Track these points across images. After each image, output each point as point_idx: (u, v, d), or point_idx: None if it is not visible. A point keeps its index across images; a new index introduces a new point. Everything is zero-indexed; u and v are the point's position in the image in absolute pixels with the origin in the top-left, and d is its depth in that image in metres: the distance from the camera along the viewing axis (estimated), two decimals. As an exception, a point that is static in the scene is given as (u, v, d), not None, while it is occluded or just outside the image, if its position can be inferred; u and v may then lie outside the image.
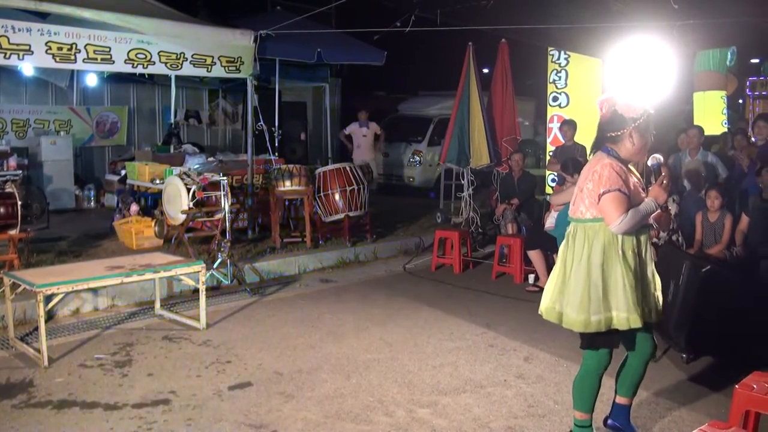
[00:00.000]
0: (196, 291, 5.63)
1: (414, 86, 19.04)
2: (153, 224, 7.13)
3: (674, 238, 6.02)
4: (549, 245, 6.28)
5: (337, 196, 7.70)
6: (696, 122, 8.69)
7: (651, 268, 3.13)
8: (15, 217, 5.91)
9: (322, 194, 7.72)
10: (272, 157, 8.43)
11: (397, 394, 3.96)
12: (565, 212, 5.37)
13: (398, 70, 19.48)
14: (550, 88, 8.98)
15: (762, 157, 6.50)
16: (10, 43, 5.98)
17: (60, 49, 6.32)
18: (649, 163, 3.26)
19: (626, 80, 5.76)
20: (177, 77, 10.73)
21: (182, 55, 7.21)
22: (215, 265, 6.25)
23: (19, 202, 5.95)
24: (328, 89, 12.38)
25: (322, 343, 4.87)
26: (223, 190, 6.25)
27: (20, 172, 8.69)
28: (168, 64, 7.15)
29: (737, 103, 12.66)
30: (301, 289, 6.53)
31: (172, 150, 10.23)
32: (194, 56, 7.31)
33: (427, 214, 10.07)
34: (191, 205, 6.23)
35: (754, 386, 3.00)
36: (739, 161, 6.89)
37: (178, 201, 6.31)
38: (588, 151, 3.64)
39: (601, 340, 3.09)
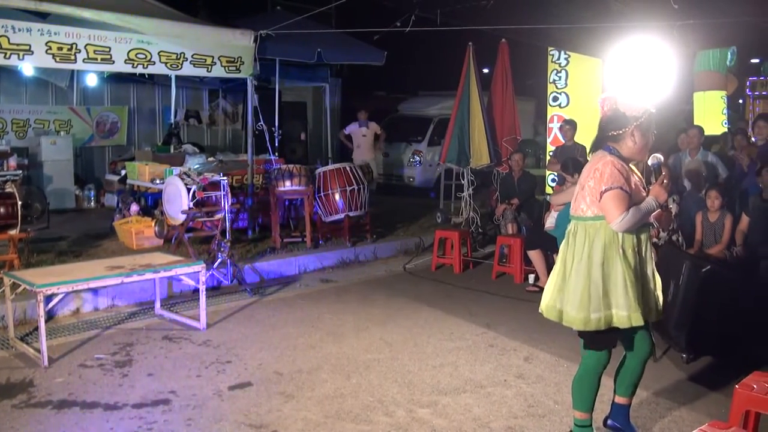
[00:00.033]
0: (196, 291, 5.63)
1: (414, 86, 19.04)
2: (153, 224, 7.13)
3: (674, 238, 6.02)
4: (549, 245, 6.28)
5: (337, 196, 7.70)
6: (696, 122, 8.69)
7: (651, 267, 3.14)
8: (15, 217, 5.91)
9: (322, 194, 7.72)
10: (272, 157, 8.43)
11: (397, 394, 3.96)
12: (565, 212, 5.38)
13: (398, 70, 19.47)
14: (550, 88, 8.98)
15: (762, 157, 6.50)
16: (10, 43, 5.98)
17: (60, 49, 6.33)
18: (650, 162, 3.27)
19: (626, 80, 5.76)
20: (177, 77, 10.73)
21: (182, 55, 7.21)
22: (215, 265, 6.25)
23: (19, 202, 5.96)
24: (328, 89, 12.38)
25: (322, 343, 4.87)
26: (223, 190, 6.25)
27: (20, 172, 8.70)
28: (168, 64, 7.15)
29: (737, 103, 12.66)
30: (301, 289, 6.53)
31: (172, 150, 10.23)
32: (194, 56, 7.31)
33: (427, 214, 10.08)
34: (191, 205, 6.23)
35: (754, 386, 3.00)
36: (739, 161, 6.88)
37: (178, 201, 6.31)
38: (588, 151, 3.64)
39: (601, 339, 3.09)
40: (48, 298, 4.43)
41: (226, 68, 7.63)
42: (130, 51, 6.80)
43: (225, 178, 6.31)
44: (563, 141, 8.10)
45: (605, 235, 3.03)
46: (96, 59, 6.62)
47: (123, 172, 9.08)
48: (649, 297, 3.12)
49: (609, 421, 3.41)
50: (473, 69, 8.65)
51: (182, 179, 6.35)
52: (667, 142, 7.77)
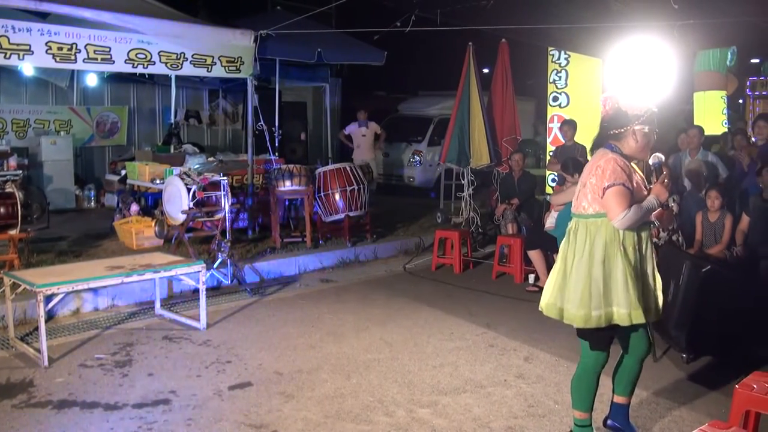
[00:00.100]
0: (196, 291, 5.63)
1: (414, 86, 19.03)
2: (153, 224, 7.13)
3: (674, 238, 6.02)
4: (549, 245, 6.28)
5: (337, 196, 7.70)
6: (696, 122, 8.68)
7: (652, 265, 3.14)
8: (15, 217, 5.92)
9: (322, 194, 7.72)
10: (272, 157, 8.43)
11: (397, 394, 3.96)
12: (565, 212, 5.38)
13: (398, 70, 19.46)
14: (551, 88, 8.97)
15: (763, 157, 6.50)
16: (10, 43, 5.98)
17: (60, 49, 6.32)
18: (651, 161, 3.27)
19: (626, 80, 5.76)
20: (177, 77, 10.73)
21: (182, 55, 7.21)
22: (215, 265, 6.25)
23: (20, 202, 5.95)
24: (328, 89, 12.38)
25: (322, 343, 4.87)
26: (224, 190, 6.25)
27: (20, 172, 8.69)
28: (168, 64, 7.15)
29: (737, 103, 12.66)
30: (301, 289, 6.53)
31: (172, 150, 10.23)
32: (194, 56, 7.31)
33: (427, 214, 10.08)
34: (191, 205, 6.23)
35: (754, 386, 3.00)
36: (739, 160, 6.88)
37: (178, 201, 6.31)
38: (589, 150, 3.64)
39: (600, 337, 3.09)
40: (48, 298, 4.43)
41: (226, 68, 7.63)
42: (130, 51, 6.79)
43: (225, 178, 6.31)
44: (563, 141, 8.09)
45: (606, 232, 3.03)
46: (96, 59, 6.62)
47: (123, 172, 9.08)
48: (649, 295, 3.12)
49: (609, 421, 3.41)
50: (473, 69, 8.65)
51: (182, 179, 6.35)
52: (667, 142, 7.77)
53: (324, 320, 5.45)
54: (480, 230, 8.83)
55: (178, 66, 7.24)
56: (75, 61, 6.49)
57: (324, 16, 12.10)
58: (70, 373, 4.23)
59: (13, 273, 4.85)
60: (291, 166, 7.77)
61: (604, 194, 3.00)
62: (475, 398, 3.91)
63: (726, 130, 9.32)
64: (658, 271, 3.18)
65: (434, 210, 10.05)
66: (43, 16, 6.34)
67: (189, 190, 6.24)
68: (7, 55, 6.01)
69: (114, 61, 6.74)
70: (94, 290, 5.55)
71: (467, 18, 6.71)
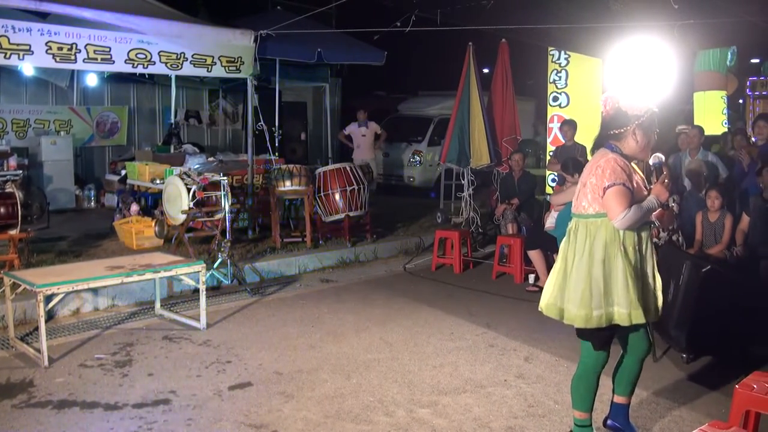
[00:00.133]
0: (196, 291, 5.63)
1: (414, 86, 19.05)
2: (153, 224, 7.13)
3: (674, 237, 6.02)
4: (549, 245, 6.28)
5: (337, 196, 7.70)
6: (696, 122, 8.70)
7: (652, 266, 3.14)
8: (15, 217, 5.92)
9: (322, 194, 7.72)
10: (272, 157, 8.43)
11: (397, 394, 3.96)
12: (565, 212, 5.38)
13: (398, 70, 19.49)
14: (551, 88, 8.98)
15: (763, 156, 6.49)
16: (10, 43, 5.98)
17: (60, 49, 6.32)
18: (651, 161, 3.27)
19: (627, 80, 5.76)
20: (177, 77, 10.74)
21: (182, 55, 7.21)
22: (215, 265, 6.25)
23: (20, 202, 5.95)
24: (328, 89, 12.38)
25: (322, 343, 4.87)
26: (224, 190, 6.25)
27: (20, 172, 8.68)
28: (168, 64, 7.15)
29: (737, 103, 12.66)
30: (301, 289, 6.53)
31: (172, 150, 10.24)
32: (194, 56, 7.31)
33: (427, 214, 10.08)
34: (191, 205, 6.23)
35: (754, 386, 3.00)
36: (739, 161, 6.88)
37: (178, 201, 6.31)
38: (589, 150, 3.64)
39: (601, 336, 3.09)
40: (48, 298, 4.43)
41: (226, 68, 7.63)
42: (130, 51, 6.79)
43: (225, 178, 6.31)
44: (563, 141, 8.10)
45: (606, 232, 3.03)
46: (96, 59, 6.62)
47: (123, 172, 9.08)
48: (649, 296, 3.12)
49: (609, 421, 3.41)
50: (473, 69, 8.65)
51: (182, 179, 6.35)
52: (667, 142, 7.77)
53: (324, 320, 5.45)
54: (480, 230, 8.83)
55: (178, 66, 7.24)
56: (75, 61, 6.49)
57: (324, 16, 12.10)
58: (70, 373, 4.23)
59: (13, 273, 4.85)
60: (291, 166, 7.77)
61: (604, 194, 3.00)
62: (475, 398, 3.91)
63: (726, 130, 9.32)
64: (658, 271, 3.18)
65: (434, 210, 10.05)
66: (43, 16, 6.34)
67: (189, 190, 6.24)
68: (7, 55, 6.01)
69: (114, 61, 6.74)
70: (94, 290, 5.55)
71: (467, 18, 6.71)
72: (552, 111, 8.99)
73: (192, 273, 5.19)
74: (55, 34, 6.26)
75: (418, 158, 13.62)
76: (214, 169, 6.87)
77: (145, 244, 7.06)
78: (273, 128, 9.50)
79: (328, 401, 3.84)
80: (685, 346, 4.37)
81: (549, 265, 6.39)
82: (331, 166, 8.04)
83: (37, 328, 4.58)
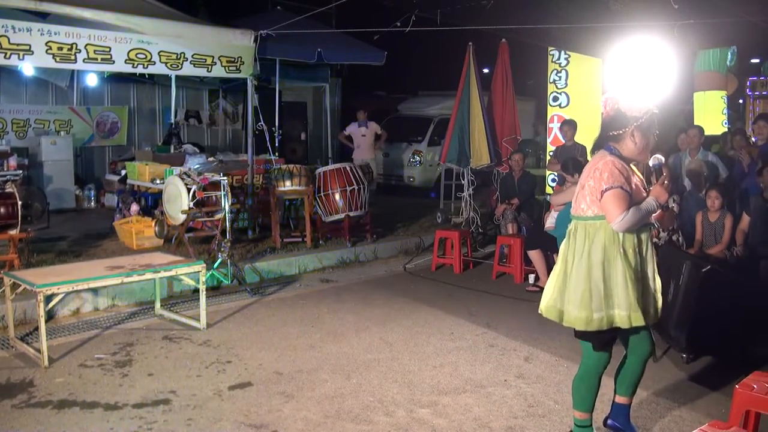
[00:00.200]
0: (196, 291, 5.63)
1: (414, 86, 19.05)
2: (153, 224, 7.13)
3: (674, 238, 6.02)
4: (549, 245, 6.28)
5: (337, 196, 7.70)
6: (696, 122, 8.68)
7: (652, 267, 3.13)
8: (15, 217, 5.91)
9: (322, 194, 7.72)
10: (272, 157, 8.43)
11: (397, 394, 3.96)
12: (565, 212, 5.38)
13: (398, 70, 19.49)
14: (551, 88, 8.98)
15: (763, 156, 6.49)
16: (10, 43, 5.98)
17: (60, 49, 6.32)
18: (651, 163, 3.26)
19: (627, 80, 5.76)
20: (177, 77, 10.74)
21: (182, 55, 7.21)
22: (215, 265, 6.25)
23: (20, 202, 5.95)
24: (328, 89, 12.38)
25: (323, 343, 4.87)
26: (224, 190, 6.25)
27: (20, 172, 8.69)
28: (168, 64, 7.15)
29: (737, 103, 12.66)
30: (301, 289, 6.53)
31: (172, 150, 10.24)
32: (194, 56, 7.31)
33: (427, 214, 10.08)
34: (191, 205, 6.23)
35: (754, 386, 3.00)
36: (739, 161, 6.88)
37: (178, 201, 6.31)
38: (588, 151, 3.64)
39: (602, 338, 3.09)
40: (48, 298, 4.43)
41: (227, 68, 7.63)
42: (130, 51, 6.79)
43: (225, 178, 6.31)
44: (563, 141, 8.10)
45: (605, 234, 3.03)
46: (96, 59, 6.62)
47: (123, 172, 9.09)
48: (649, 298, 3.11)
49: (609, 421, 3.41)
50: (473, 69, 8.65)
51: (182, 179, 6.35)
52: (667, 142, 7.77)
53: (324, 320, 5.45)
54: (480, 230, 8.83)
55: (178, 66, 7.24)
56: (75, 61, 6.49)
57: (324, 16, 12.10)
58: (70, 373, 4.23)
59: (13, 273, 4.85)
60: (291, 166, 7.77)
61: (602, 197, 3.00)
62: (475, 398, 3.91)
63: (726, 130, 9.32)
64: (658, 271, 3.18)
65: (434, 210, 10.05)
66: (43, 16, 6.34)
67: (189, 190, 6.24)
68: (7, 55, 6.01)
69: (114, 61, 6.74)
70: (94, 290, 5.55)
71: (467, 18, 6.71)
72: (552, 111, 8.99)
73: (192, 273, 5.19)
74: (55, 34, 6.26)
75: (418, 158, 13.62)
76: (214, 169, 6.87)
77: (145, 244, 7.06)
78: (273, 128, 9.50)
79: (328, 401, 3.84)
80: (685, 346, 4.37)
81: (549, 265, 6.39)
82: (331, 166, 8.04)
83: (37, 328, 4.59)
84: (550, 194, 8.07)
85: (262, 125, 8.10)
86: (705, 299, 4.17)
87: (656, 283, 3.15)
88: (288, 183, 7.53)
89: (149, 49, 6.92)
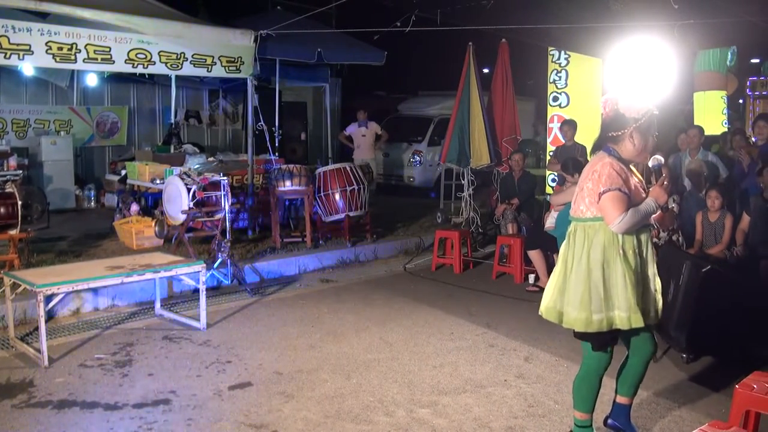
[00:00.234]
0: (196, 291, 5.63)
1: (414, 86, 19.05)
2: (153, 224, 7.13)
3: (674, 238, 6.02)
4: (549, 245, 6.28)
5: (337, 196, 7.70)
6: (696, 122, 8.68)
7: (652, 268, 3.12)
8: (15, 217, 5.92)
9: (322, 194, 7.72)
10: (272, 157, 8.43)
11: (397, 394, 3.96)
12: (565, 212, 5.38)
13: (398, 70, 19.48)
14: (551, 88, 8.98)
15: (763, 157, 6.49)
16: (10, 43, 5.98)
17: (60, 49, 6.33)
18: (650, 164, 3.26)
19: (627, 80, 5.76)
20: (177, 77, 10.74)
21: (182, 55, 7.21)
22: (215, 265, 6.25)
23: (20, 202, 5.95)
24: (328, 89, 12.39)
25: (323, 343, 4.87)
26: (224, 190, 6.26)
27: (20, 172, 8.70)
28: (168, 64, 7.15)
29: (737, 103, 12.66)
30: (301, 289, 6.53)
31: (172, 150, 10.24)
32: (194, 56, 7.32)
33: (427, 214, 10.08)
34: (191, 205, 6.23)
35: (754, 386, 3.00)
36: (740, 160, 6.88)
37: (178, 201, 6.31)
38: (588, 151, 3.64)
39: (602, 339, 3.08)
40: (48, 298, 4.43)
41: (226, 68, 7.63)
42: (130, 51, 6.80)
43: (225, 178, 6.31)
44: (563, 141, 8.10)
45: (605, 235, 3.02)
46: (96, 59, 6.63)
47: (123, 172, 9.09)
48: (649, 299, 3.11)
49: (609, 421, 3.41)
50: (473, 69, 8.65)
51: (182, 179, 6.35)
52: (667, 142, 7.77)
53: (324, 320, 5.45)
54: (480, 230, 8.83)
55: (178, 66, 7.24)
56: (75, 61, 6.50)
57: (324, 16, 12.10)
58: (70, 373, 4.23)
59: (13, 273, 4.85)
60: (291, 166, 7.77)
61: (599, 199, 2.99)
62: (475, 398, 3.91)
63: (726, 130, 9.32)
64: (658, 271, 3.18)
65: (434, 210, 10.05)
66: (43, 16, 6.35)
67: (189, 190, 6.24)
68: (7, 55, 6.01)
69: (114, 61, 6.75)
70: (94, 290, 5.55)
71: (467, 18, 6.72)
72: (552, 111, 8.98)
73: (192, 273, 5.19)
74: (55, 34, 6.27)
75: (418, 158, 13.62)
76: (214, 169, 6.88)
77: (145, 244, 7.06)
78: (273, 128, 9.50)
79: (328, 401, 3.84)
80: (685, 346, 4.37)
81: (549, 265, 6.39)
82: (331, 166, 8.04)
83: (37, 328, 4.59)
84: (550, 194, 8.07)
85: (262, 125, 8.10)
86: (705, 299, 4.17)
87: (656, 284, 3.14)
88: (288, 183, 7.53)
89: (149, 49, 6.93)
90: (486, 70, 14.15)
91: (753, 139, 7.51)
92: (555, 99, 8.93)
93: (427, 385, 4.10)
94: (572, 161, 6.19)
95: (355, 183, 7.73)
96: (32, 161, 9.92)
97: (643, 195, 3.09)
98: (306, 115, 14.74)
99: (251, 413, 3.68)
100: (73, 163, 10.26)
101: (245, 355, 4.60)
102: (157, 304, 5.58)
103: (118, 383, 4.08)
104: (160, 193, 7.15)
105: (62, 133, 10.64)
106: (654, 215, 3.10)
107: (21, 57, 6.11)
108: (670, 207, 3.81)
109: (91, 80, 10.99)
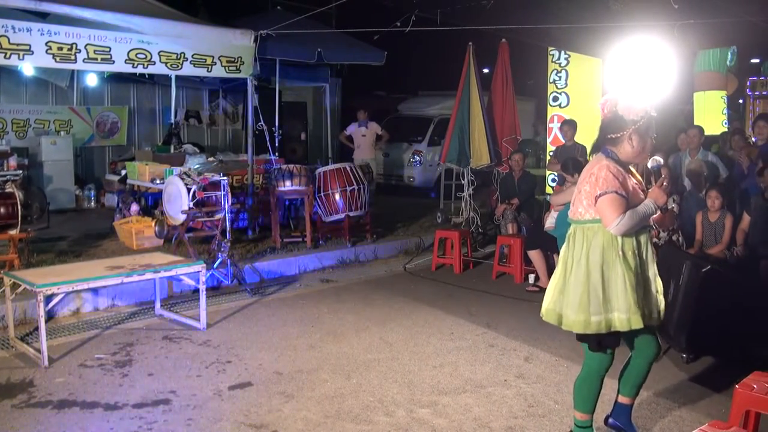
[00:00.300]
0: (196, 291, 5.63)
1: (414, 86, 19.06)
2: (153, 224, 7.13)
3: (674, 238, 6.02)
4: (549, 245, 6.28)
5: (337, 196, 7.70)
6: (696, 122, 8.68)
7: (653, 269, 3.12)
8: (15, 217, 5.92)
9: (322, 194, 7.72)
10: (272, 157, 8.43)
11: (397, 394, 3.96)
12: (565, 212, 5.37)
13: (398, 70, 19.49)
14: (551, 88, 8.98)
15: (763, 157, 6.49)
16: (10, 43, 5.98)
17: (60, 49, 6.33)
18: (649, 165, 3.26)
19: (627, 80, 5.76)
20: (177, 77, 10.73)
21: (182, 55, 7.21)
22: (215, 265, 6.25)
23: (20, 202, 5.95)
24: (328, 89, 12.39)
25: (322, 343, 4.87)
26: (224, 190, 6.25)
27: (20, 172, 8.69)
28: (168, 64, 7.15)
29: (737, 103, 12.66)
30: (301, 289, 6.53)
31: (172, 150, 10.23)
32: (194, 56, 7.32)
33: (427, 214, 10.08)
34: (191, 205, 6.23)
35: (754, 386, 3.00)
36: (739, 162, 6.88)
37: (178, 201, 6.31)
38: (588, 152, 3.64)
39: (602, 341, 3.08)
40: (48, 298, 4.43)
41: (226, 68, 7.63)
42: (130, 51, 6.80)
43: (225, 178, 6.31)
44: (563, 141, 8.10)
45: (603, 237, 3.02)
46: (96, 59, 6.62)
47: (123, 172, 9.08)
48: (651, 300, 3.10)
49: (610, 420, 3.41)
50: (473, 69, 8.65)
51: (182, 179, 6.35)
52: (667, 142, 7.77)
53: (324, 320, 5.45)
54: (480, 230, 8.83)
55: (178, 66, 7.24)
56: (75, 61, 6.49)
57: (324, 16, 12.10)
58: (70, 373, 4.23)
59: (13, 273, 4.85)
60: (291, 166, 7.77)
61: (596, 202, 2.99)
62: (475, 398, 3.91)
63: (726, 129, 9.33)
64: (658, 271, 3.17)
65: (434, 210, 10.05)
66: (43, 16, 6.35)
67: (189, 190, 6.24)
68: (7, 55, 6.01)
69: (114, 61, 6.75)
70: (94, 290, 5.55)
71: (467, 18, 6.71)
72: (552, 111, 8.99)
73: (192, 273, 5.19)
74: (55, 34, 6.26)
75: (418, 158, 13.62)
76: (214, 169, 6.88)
77: (145, 244, 7.06)
78: (273, 128, 9.50)
79: (328, 401, 3.84)
80: (685, 346, 4.37)
81: (549, 265, 6.39)
82: (331, 166, 8.04)
83: (37, 328, 4.58)
84: (550, 194, 8.07)
85: (262, 125, 8.10)
86: (705, 299, 4.17)
87: (658, 285, 3.14)
88: (288, 183, 7.53)
89: (149, 49, 6.92)
90: (486, 70, 14.15)
91: (753, 139, 7.51)
92: (555, 99, 8.93)
93: (427, 385, 4.10)
94: (572, 161, 6.19)
95: (355, 183, 7.73)
96: (32, 161, 9.92)
97: (642, 196, 3.08)
98: (306, 115, 14.73)
99: (251, 413, 3.68)
100: (73, 163, 10.26)
101: (245, 355, 4.60)
102: (157, 304, 5.58)
103: (118, 383, 4.08)
104: (160, 193, 7.15)
105: (62, 133, 10.64)
106: (653, 216, 3.10)
107: (21, 57, 6.11)
108: (670, 207, 3.81)
109: (91, 80, 11.00)
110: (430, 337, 5.03)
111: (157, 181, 7.66)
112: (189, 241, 6.47)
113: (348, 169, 7.89)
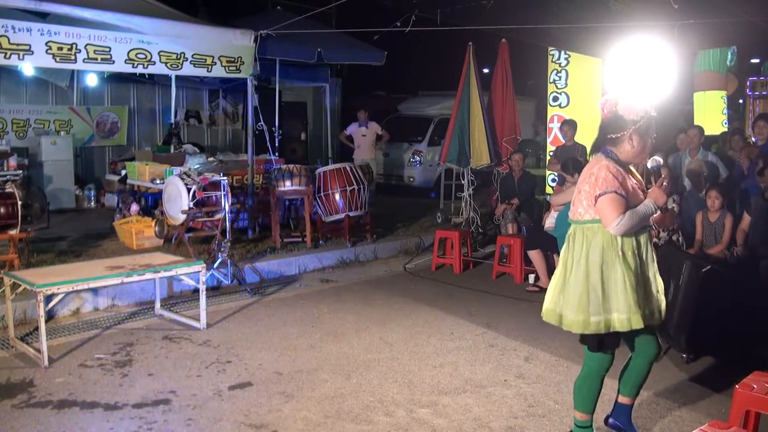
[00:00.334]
0: (196, 291, 5.63)
1: (414, 86, 19.06)
2: (153, 224, 7.13)
3: (674, 238, 6.02)
4: (549, 245, 6.28)
5: (337, 196, 7.70)
6: (696, 122, 8.68)
7: (653, 269, 3.12)
8: (15, 217, 5.92)
9: (322, 194, 7.72)
10: (272, 157, 8.43)
11: (397, 394, 3.96)
12: (565, 212, 5.37)
13: (398, 70, 19.50)
14: (551, 88, 8.98)
15: (763, 157, 6.48)
16: (10, 43, 5.98)
17: (60, 49, 6.33)
18: (649, 165, 3.25)
19: (627, 80, 5.76)
20: (177, 77, 10.73)
21: (182, 55, 7.21)
22: (215, 265, 6.25)
23: (20, 202, 5.95)
24: (328, 89, 12.38)
25: (322, 343, 4.87)
26: (224, 190, 6.26)
27: (20, 172, 8.69)
28: (168, 64, 7.15)
29: (737, 103, 12.65)
30: (301, 289, 6.53)
31: (172, 150, 10.23)
32: (194, 56, 7.32)
33: (427, 214, 10.08)
34: (191, 205, 6.23)
35: (754, 386, 3.00)
36: (739, 163, 6.88)
37: (178, 201, 6.31)
38: (588, 152, 3.64)
39: (602, 341, 3.08)
40: (48, 298, 4.43)
41: (227, 68, 7.63)
42: (130, 51, 6.79)
43: (225, 178, 6.31)
44: (563, 141, 8.10)
45: (603, 237, 3.01)
46: (96, 59, 6.62)
47: (123, 172, 9.09)
48: (652, 300, 3.10)
49: (610, 420, 3.41)
50: (473, 69, 8.65)
51: (182, 179, 6.35)
52: (667, 142, 7.77)
53: (324, 320, 5.45)
54: (480, 230, 8.83)
55: (178, 66, 7.24)
56: (75, 61, 6.49)
57: (324, 16, 12.10)
58: (70, 373, 4.23)
59: (13, 273, 4.85)
60: (291, 166, 7.77)
61: (596, 202, 2.99)
62: (475, 398, 3.91)
63: (726, 129, 9.33)
64: (659, 271, 3.17)
65: (434, 210, 10.05)
66: (43, 16, 6.35)
67: (189, 190, 6.24)
68: (7, 55, 6.01)
69: (114, 61, 6.74)
70: (94, 290, 5.55)
71: (467, 18, 6.72)
72: (552, 111, 8.99)
73: (192, 273, 5.19)
74: (55, 34, 6.26)
75: (418, 158, 13.62)
76: (214, 169, 6.88)
77: (145, 244, 7.06)
78: (273, 128, 9.50)
79: (328, 401, 3.84)
80: (685, 346, 4.37)
81: (549, 265, 6.39)
82: (331, 166, 8.04)
83: (37, 328, 4.58)
84: (550, 194, 8.07)
85: (262, 125, 8.10)
86: (705, 299, 4.17)
87: (658, 285, 3.13)
88: (288, 183, 7.53)
89: (149, 49, 6.92)
90: (486, 70, 14.15)
91: (753, 139, 7.50)
92: (555, 99, 8.93)
93: (427, 385, 4.10)
94: (572, 161, 6.19)
95: (355, 183, 7.73)
96: (32, 161, 9.92)
97: (642, 196, 3.08)
98: (306, 115, 14.74)
99: (251, 413, 3.68)
100: (73, 163, 10.27)
101: (245, 355, 4.60)
102: (157, 304, 5.58)
103: (118, 383, 4.08)
104: (160, 193, 7.15)
105: (62, 133, 10.64)
106: (653, 216, 3.09)
107: (21, 57, 6.11)
108: (670, 207, 3.81)
109: (91, 80, 10.99)
110: (430, 337, 5.03)
111: (157, 181, 7.66)
112: (189, 241, 6.47)
113: (348, 169, 7.89)
